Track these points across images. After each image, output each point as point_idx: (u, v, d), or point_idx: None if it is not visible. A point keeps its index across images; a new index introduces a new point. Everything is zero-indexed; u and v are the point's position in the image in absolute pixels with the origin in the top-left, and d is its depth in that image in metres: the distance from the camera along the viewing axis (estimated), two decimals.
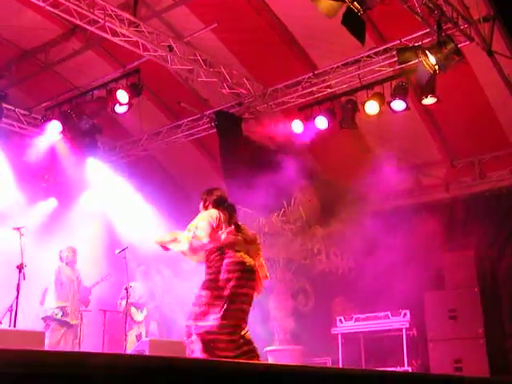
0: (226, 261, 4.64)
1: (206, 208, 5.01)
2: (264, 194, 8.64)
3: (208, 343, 4.45)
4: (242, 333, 4.62)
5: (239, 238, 4.80)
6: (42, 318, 7.96)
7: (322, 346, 9.29)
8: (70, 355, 1.94)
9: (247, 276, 4.68)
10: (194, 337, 4.49)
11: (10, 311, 6.95)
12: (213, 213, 4.83)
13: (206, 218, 4.75)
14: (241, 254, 4.71)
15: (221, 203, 4.97)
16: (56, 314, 7.88)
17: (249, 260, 4.72)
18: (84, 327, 8.18)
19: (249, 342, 4.66)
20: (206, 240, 4.62)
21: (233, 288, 4.58)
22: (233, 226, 4.83)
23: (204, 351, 4.42)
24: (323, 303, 10.01)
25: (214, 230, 4.69)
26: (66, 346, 7.74)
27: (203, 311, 4.54)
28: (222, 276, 4.60)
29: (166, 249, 4.77)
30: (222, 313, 4.50)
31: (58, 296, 7.95)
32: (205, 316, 4.52)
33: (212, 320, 4.50)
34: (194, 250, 4.64)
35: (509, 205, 9.63)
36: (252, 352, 4.63)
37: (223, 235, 4.73)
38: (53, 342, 7.63)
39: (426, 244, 10.34)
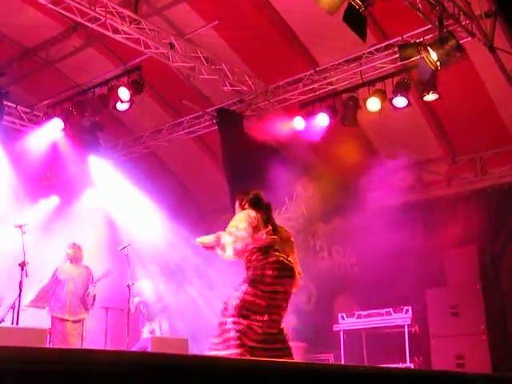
0: (269, 259, 4.68)
1: (242, 208, 4.98)
2: (265, 191, 8.63)
3: (243, 336, 4.51)
4: (282, 326, 4.78)
5: (276, 237, 4.83)
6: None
7: (324, 343, 9.29)
8: (73, 352, 1.94)
9: (288, 274, 4.75)
10: (231, 331, 4.52)
11: (13, 309, 6.96)
12: (250, 212, 4.80)
13: (245, 219, 4.72)
14: (280, 253, 4.76)
15: (258, 203, 4.96)
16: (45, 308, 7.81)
17: (287, 259, 4.79)
18: (86, 324, 8.16)
19: (285, 340, 4.80)
20: (248, 240, 4.63)
21: (276, 286, 4.66)
22: (270, 227, 4.84)
23: (238, 346, 4.46)
24: (325, 300, 10.01)
25: (254, 230, 4.69)
26: (73, 341, 7.69)
27: (243, 306, 4.59)
28: (268, 273, 4.64)
29: (209, 248, 4.77)
30: (265, 309, 4.60)
31: (53, 294, 7.86)
32: (245, 311, 4.58)
33: (252, 316, 4.57)
34: (238, 253, 4.66)
35: (511, 201, 9.62)
36: (286, 350, 4.74)
37: (263, 235, 4.74)
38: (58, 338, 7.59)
39: (428, 240, 10.33)
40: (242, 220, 4.72)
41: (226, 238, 4.63)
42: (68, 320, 7.77)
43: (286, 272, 4.72)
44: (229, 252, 4.61)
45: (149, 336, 8.83)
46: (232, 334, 4.50)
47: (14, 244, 7.35)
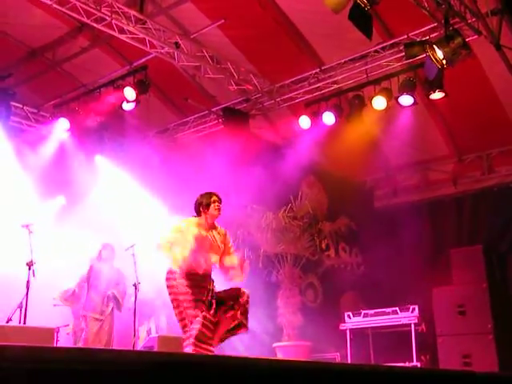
0: None
1: None
2: (271, 190, 8.64)
3: None
4: None
5: None
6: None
7: (330, 342, 9.28)
8: (79, 351, 1.95)
9: None
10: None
11: (20, 308, 6.98)
12: None
13: None
14: None
15: None
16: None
17: None
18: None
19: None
20: None
21: None
22: None
23: None
24: (331, 299, 10.01)
25: None
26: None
27: None
28: None
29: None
30: None
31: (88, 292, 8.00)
32: None
33: None
34: None
35: None
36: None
37: None
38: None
39: (434, 239, 10.31)
40: None
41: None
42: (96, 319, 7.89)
43: None
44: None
45: (145, 335, 8.84)
46: None
47: (21, 243, 7.37)
